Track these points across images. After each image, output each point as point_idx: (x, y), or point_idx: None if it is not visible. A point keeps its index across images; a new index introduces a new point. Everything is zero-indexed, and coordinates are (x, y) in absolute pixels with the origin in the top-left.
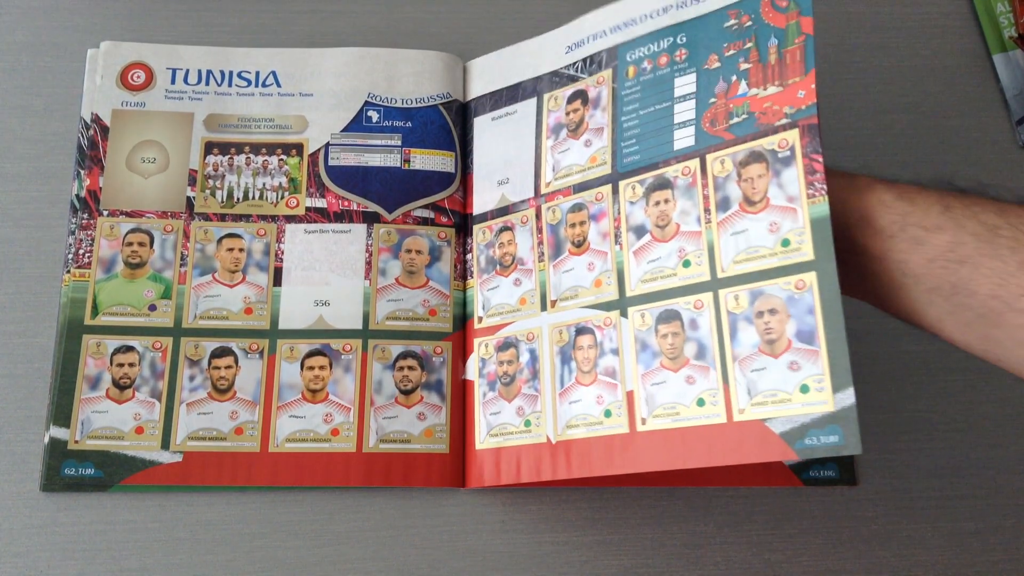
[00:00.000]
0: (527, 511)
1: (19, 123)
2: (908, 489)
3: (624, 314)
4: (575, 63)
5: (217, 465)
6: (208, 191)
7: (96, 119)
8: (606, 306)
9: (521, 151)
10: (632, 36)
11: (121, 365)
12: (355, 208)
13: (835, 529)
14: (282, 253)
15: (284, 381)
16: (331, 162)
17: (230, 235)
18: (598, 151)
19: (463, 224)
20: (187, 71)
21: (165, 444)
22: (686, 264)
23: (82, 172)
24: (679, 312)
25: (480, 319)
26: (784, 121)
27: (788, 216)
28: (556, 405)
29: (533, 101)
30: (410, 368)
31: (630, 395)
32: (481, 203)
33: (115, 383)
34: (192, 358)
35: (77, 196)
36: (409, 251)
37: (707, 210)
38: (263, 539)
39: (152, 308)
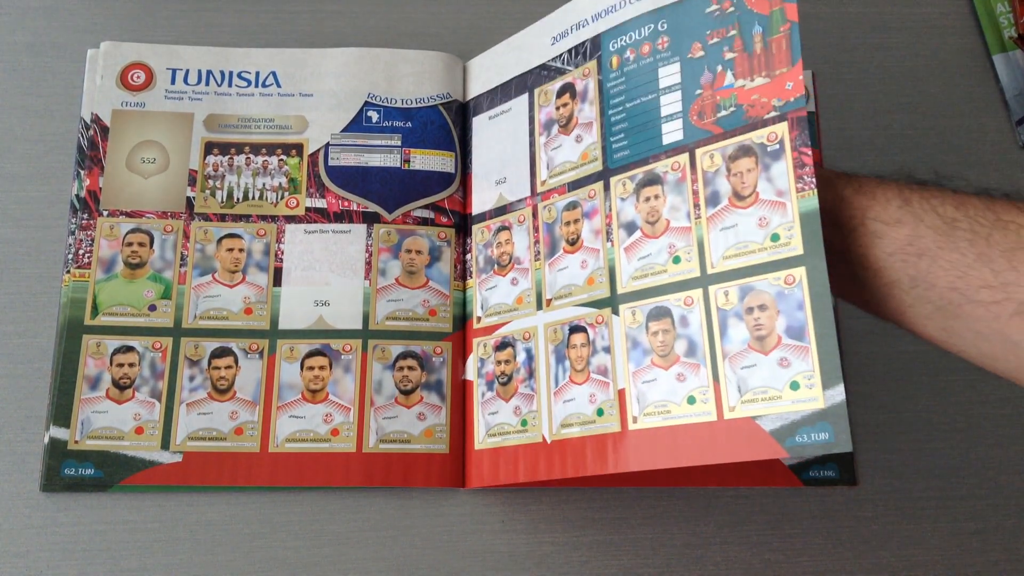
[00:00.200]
0: (527, 511)
1: (19, 123)
2: (908, 489)
3: (616, 311)
4: (561, 55)
5: (217, 465)
6: (208, 191)
7: (96, 119)
8: (598, 304)
9: (516, 149)
10: (614, 23)
11: (121, 365)
12: (355, 208)
13: (835, 529)
14: (282, 253)
15: (284, 381)
16: (331, 162)
17: (230, 235)
18: (589, 147)
19: (463, 224)
20: (187, 71)
21: (165, 444)
22: (676, 260)
23: (82, 172)
24: (670, 309)
25: (479, 319)
26: (773, 114)
27: (778, 210)
28: (551, 404)
29: (525, 97)
30: (410, 368)
31: (621, 393)
32: (480, 203)
33: (115, 383)
34: (192, 358)
35: (77, 196)
36: (409, 251)
37: (696, 205)
38: (263, 539)
39: (152, 308)
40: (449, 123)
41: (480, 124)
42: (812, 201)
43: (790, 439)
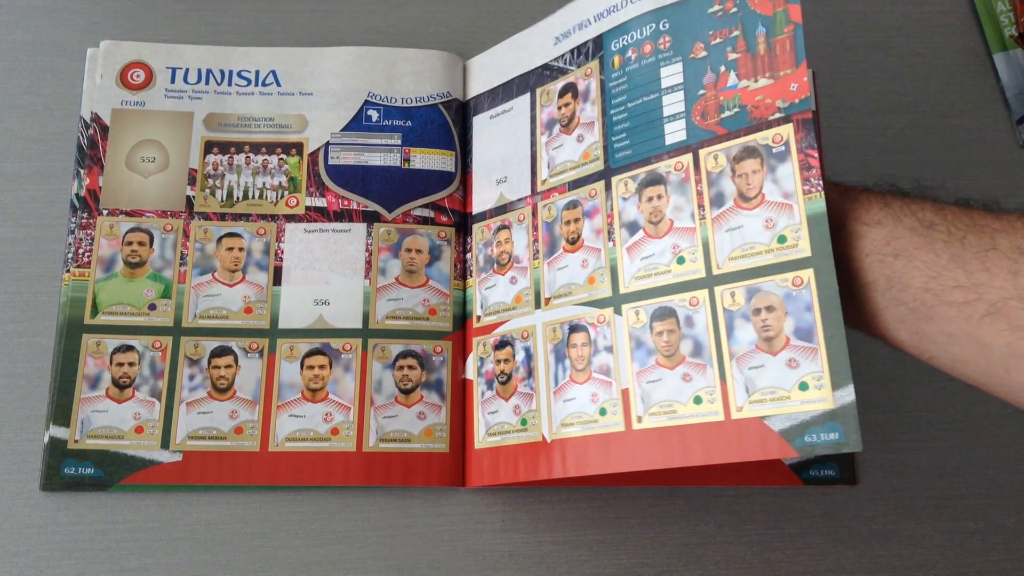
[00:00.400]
0: (527, 511)
1: (19, 123)
2: (908, 489)
3: (618, 311)
4: (563, 55)
5: (217, 464)
6: (208, 190)
7: (96, 118)
8: (599, 303)
9: (517, 149)
10: (615, 23)
11: (121, 364)
12: (355, 207)
13: (835, 529)
14: (282, 252)
15: (284, 380)
16: (331, 161)
17: (230, 234)
18: (590, 146)
19: (463, 223)
20: (187, 70)
21: (165, 443)
22: (680, 261)
23: (82, 171)
24: (674, 309)
25: (478, 318)
26: (777, 115)
27: (784, 212)
28: (551, 403)
29: (527, 97)
30: (410, 367)
31: (625, 393)
32: (480, 202)
33: (115, 382)
34: (192, 357)
35: (77, 195)
36: (409, 250)
37: (701, 206)
38: (263, 539)
39: (152, 307)
40: (449, 122)
41: (481, 123)
42: (820, 204)
43: (799, 439)
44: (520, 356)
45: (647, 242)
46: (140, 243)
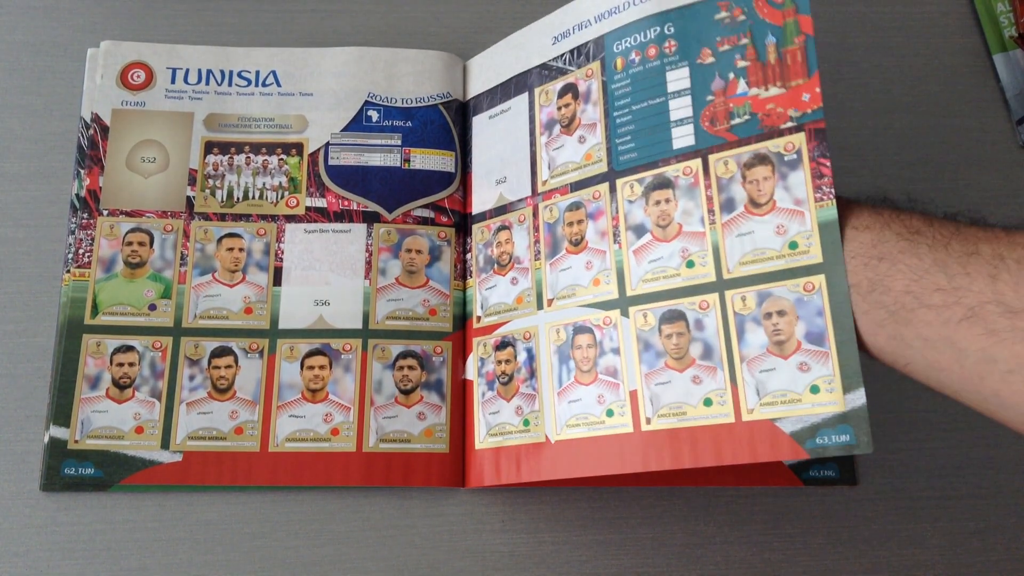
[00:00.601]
0: (527, 511)
1: (19, 123)
2: (908, 489)
3: (625, 313)
4: (563, 55)
5: (217, 465)
6: (208, 191)
7: (96, 118)
8: (605, 305)
9: (517, 149)
10: (617, 25)
11: (121, 365)
12: (355, 208)
13: (835, 529)
14: (282, 253)
15: (284, 381)
16: (331, 162)
17: (230, 235)
18: (592, 148)
19: (463, 224)
20: (187, 71)
21: (165, 444)
22: (690, 264)
23: (82, 172)
24: (683, 312)
25: (479, 318)
26: (790, 124)
27: (796, 219)
28: (555, 404)
29: (525, 96)
30: (410, 368)
31: (633, 394)
32: (480, 202)
33: (115, 383)
34: (192, 358)
35: (77, 196)
36: (409, 251)
37: (711, 211)
38: (263, 539)
39: (152, 308)
40: (449, 122)
41: (480, 123)
42: (831, 211)
43: (810, 441)
44: (522, 357)
45: (655, 245)
46: (140, 243)
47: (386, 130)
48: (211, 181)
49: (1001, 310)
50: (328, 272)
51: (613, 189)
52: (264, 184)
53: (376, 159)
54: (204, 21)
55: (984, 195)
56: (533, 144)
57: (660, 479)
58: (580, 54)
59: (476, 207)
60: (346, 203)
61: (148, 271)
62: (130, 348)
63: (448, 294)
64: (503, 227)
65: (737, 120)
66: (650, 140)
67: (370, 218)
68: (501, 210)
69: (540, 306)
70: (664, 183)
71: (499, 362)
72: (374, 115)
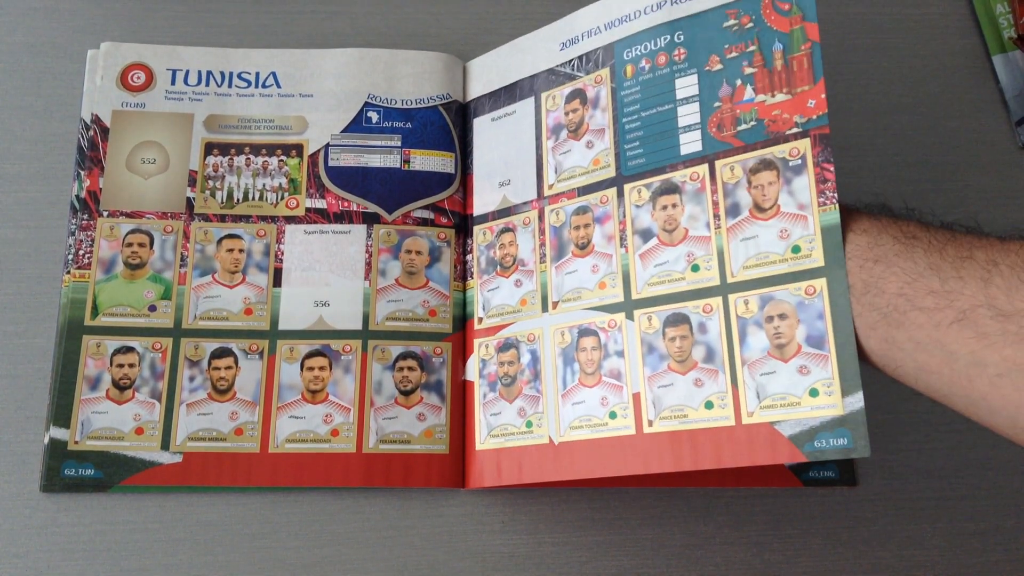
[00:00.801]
0: (527, 511)
1: (19, 123)
2: (908, 489)
3: (630, 316)
4: (571, 60)
5: (217, 465)
6: (208, 192)
7: (96, 120)
8: (611, 308)
9: (521, 152)
10: (628, 33)
11: (121, 366)
12: (355, 209)
13: (835, 529)
14: (282, 254)
15: (284, 382)
16: (331, 163)
17: (230, 236)
18: (600, 153)
19: (463, 225)
20: (187, 72)
21: (165, 445)
22: (695, 268)
23: (82, 173)
24: (688, 316)
25: (480, 320)
26: (795, 130)
27: (799, 223)
28: (559, 406)
29: (531, 100)
30: (410, 369)
31: (636, 397)
32: (482, 204)
33: (115, 384)
34: (192, 359)
35: (77, 197)
36: (409, 252)
37: (716, 215)
38: (263, 539)
39: (152, 309)
40: (449, 124)
41: (482, 125)
42: (833, 216)
43: (809, 444)
44: (526, 359)
45: (661, 249)
46: (140, 244)
47: (386, 131)
48: (211, 182)
49: (992, 313)
50: (328, 273)
51: (621, 194)
52: (264, 185)
53: (376, 160)
54: (204, 22)
55: (983, 196)
56: (539, 148)
57: (661, 480)
58: (589, 60)
59: (478, 208)
60: (346, 204)
61: (148, 272)
62: (130, 349)
63: (448, 295)
64: (506, 229)
65: (743, 126)
66: (658, 146)
67: (370, 219)
68: (504, 212)
69: (545, 308)
70: (671, 188)
71: (502, 363)
72: (374, 116)
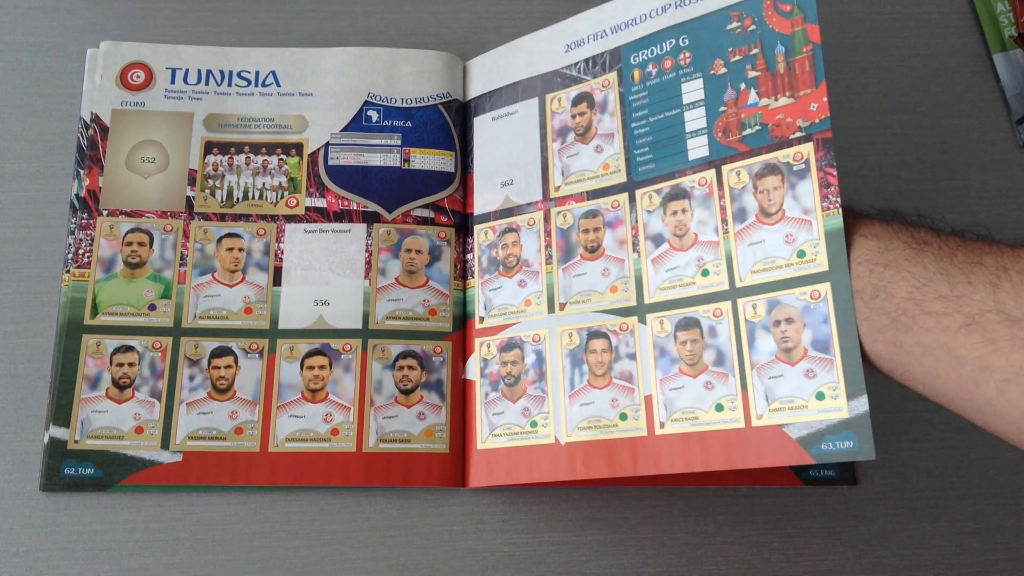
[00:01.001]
0: (527, 511)
1: (19, 123)
2: (908, 489)
3: (642, 320)
4: (576, 63)
5: (217, 465)
6: (208, 191)
7: (96, 119)
8: (622, 312)
9: (525, 152)
10: (634, 37)
11: (121, 365)
12: (355, 208)
13: (835, 529)
14: (282, 253)
15: (284, 381)
16: (331, 162)
17: (230, 235)
18: (611, 158)
19: (463, 224)
20: (187, 71)
21: (165, 444)
22: (704, 273)
23: (82, 172)
24: (698, 320)
25: (481, 319)
26: (798, 134)
27: (803, 228)
28: (566, 407)
29: (535, 101)
30: (410, 368)
31: (648, 399)
32: (483, 203)
33: (115, 383)
34: (192, 358)
35: (77, 196)
36: (409, 251)
37: (724, 220)
38: (263, 539)
39: (152, 308)
40: (449, 123)
41: (482, 124)
42: (837, 220)
43: (816, 447)
44: (530, 359)
45: (672, 254)
46: (140, 243)
47: (386, 130)
48: (211, 181)
49: (1001, 319)
50: (328, 272)
51: (632, 199)
52: (264, 184)
53: (376, 159)
54: (204, 21)
55: (984, 195)
56: (544, 149)
57: (663, 480)
58: (596, 64)
59: (479, 208)
60: (346, 203)
61: (148, 271)
62: (130, 348)
63: (448, 294)
64: (510, 229)
65: (748, 131)
66: (667, 151)
67: (370, 218)
68: (507, 212)
69: (552, 310)
70: (680, 193)
71: (504, 363)
72: (374, 115)
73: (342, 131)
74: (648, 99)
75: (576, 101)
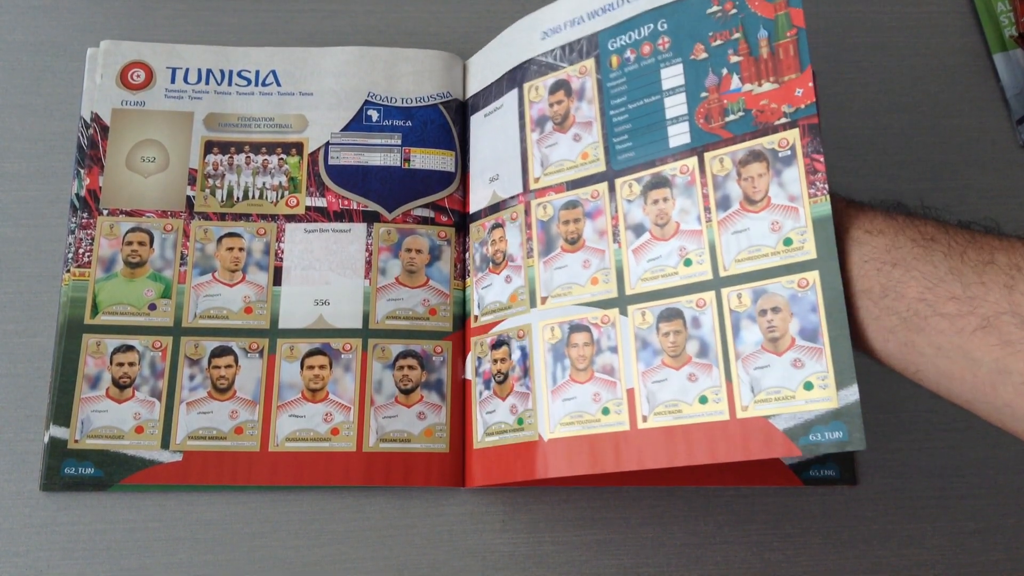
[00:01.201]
0: (527, 511)
1: (19, 123)
2: (908, 489)
3: (624, 312)
4: (552, 50)
5: (217, 464)
6: (208, 190)
7: (96, 118)
8: (604, 304)
9: (508, 146)
10: (611, 22)
11: (121, 364)
12: (355, 207)
13: (835, 529)
14: (282, 252)
15: (284, 380)
16: (331, 161)
17: (230, 234)
18: (589, 147)
19: (463, 223)
20: (187, 70)
21: (165, 443)
22: (687, 263)
23: (82, 171)
24: (681, 310)
25: (476, 318)
26: (783, 120)
27: (790, 215)
28: (548, 402)
29: (515, 93)
30: (410, 367)
31: (630, 392)
32: (476, 201)
33: (115, 382)
34: (192, 357)
35: (77, 195)
36: (409, 250)
37: (707, 209)
38: (263, 539)
39: (152, 307)
40: (449, 122)
41: (476, 122)
42: (825, 207)
43: (804, 438)
44: (516, 355)
45: (653, 244)
46: (140, 243)
47: (386, 130)
48: (211, 181)
49: (1017, 321)
50: (328, 272)
51: (612, 189)
52: (264, 184)
53: (376, 159)
54: (204, 21)
55: (984, 195)
56: (523, 141)
57: (660, 478)
58: (572, 51)
59: (473, 206)
60: (346, 203)
61: (148, 271)
62: (130, 348)
63: (448, 294)
64: (497, 225)
65: (731, 117)
66: (647, 139)
67: (370, 218)
68: (495, 208)
69: (533, 304)
70: (661, 182)
71: (495, 361)
72: (374, 115)
73: (342, 131)
74: (627, 86)
75: (553, 89)
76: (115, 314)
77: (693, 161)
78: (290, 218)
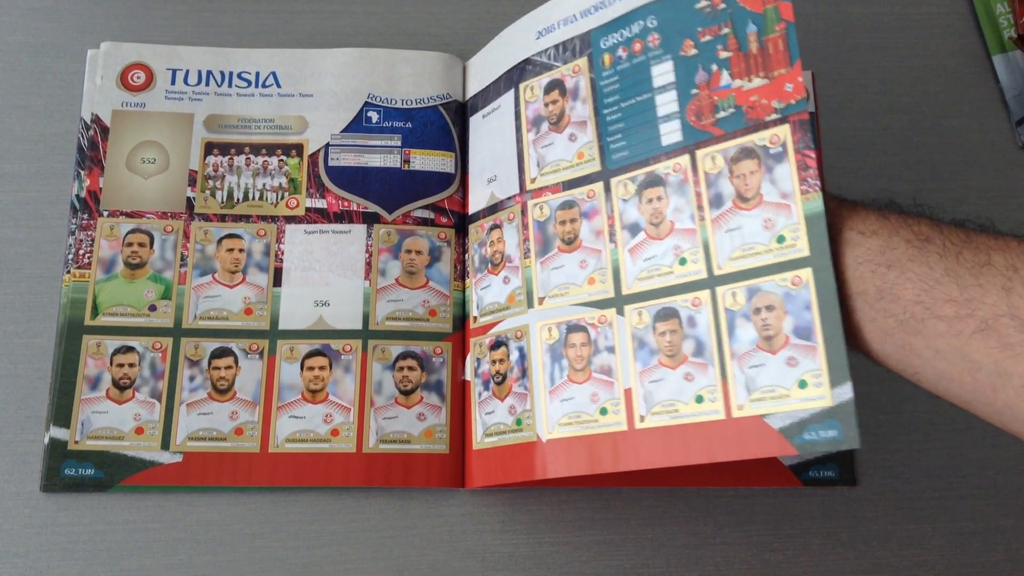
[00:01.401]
0: (527, 511)
1: (19, 123)
2: (908, 489)
3: (620, 312)
4: (546, 50)
5: (217, 465)
6: (208, 191)
7: (96, 119)
8: (601, 304)
9: (505, 146)
10: (603, 21)
11: (121, 365)
12: (355, 208)
13: (835, 529)
14: (282, 253)
15: (284, 381)
16: (331, 163)
17: (230, 235)
18: (584, 146)
19: (462, 224)
20: (187, 72)
21: (165, 444)
22: (682, 262)
23: (82, 172)
24: (677, 310)
25: (475, 319)
26: (774, 116)
27: (782, 212)
28: (546, 403)
29: (511, 93)
30: (410, 368)
31: (628, 392)
32: (475, 202)
33: (115, 383)
34: (192, 358)
35: (77, 196)
36: (409, 251)
37: (700, 207)
38: (263, 539)
39: (152, 308)
40: (449, 123)
41: (475, 123)
42: (817, 203)
43: (799, 436)
44: (514, 356)
45: (649, 244)
46: (140, 244)
47: (386, 131)
48: (211, 182)
49: (1016, 324)
50: (328, 273)
51: (608, 188)
52: (264, 185)
53: (376, 160)
54: (204, 22)
55: (983, 196)
56: (520, 141)
57: (660, 479)
58: (566, 49)
59: (472, 207)
60: (346, 204)
61: (148, 272)
62: (130, 349)
63: (448, 295)
64: (495, 226)
65: (722, 113)
66: (640, 137)
67: (370, 219)
68: (493, 209)
69: (531, 304)
70: (655, 181)
71: (493, 362)
72: (374, 116)
73: (342, 132)
74: (619, 84)
75: (548, 89)
76: (115, 315)
77: (685, 159)
78: (290, 219)
